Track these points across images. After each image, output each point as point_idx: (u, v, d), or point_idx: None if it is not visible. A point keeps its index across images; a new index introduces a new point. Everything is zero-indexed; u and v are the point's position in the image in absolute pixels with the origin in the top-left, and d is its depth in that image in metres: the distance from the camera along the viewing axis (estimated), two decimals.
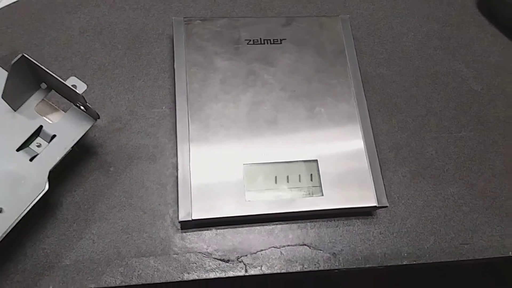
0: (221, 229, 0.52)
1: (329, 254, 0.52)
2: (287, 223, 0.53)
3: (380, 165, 0.53)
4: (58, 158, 0.45)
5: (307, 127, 0.54)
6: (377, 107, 0.61)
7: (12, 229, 0.41)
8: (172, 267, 0.50)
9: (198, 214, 0.48)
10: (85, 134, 0.46)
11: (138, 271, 0.49)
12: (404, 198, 0.56)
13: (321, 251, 0.52)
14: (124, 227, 0.51)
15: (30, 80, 0.46)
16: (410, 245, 0.54)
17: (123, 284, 0.48)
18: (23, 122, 0.46)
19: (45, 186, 0.43)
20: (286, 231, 0.53)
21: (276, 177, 0.51)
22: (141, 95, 0.58)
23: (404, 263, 0.53)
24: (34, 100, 0.47)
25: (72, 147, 0.46)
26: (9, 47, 0.58)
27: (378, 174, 0.53)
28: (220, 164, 0.51)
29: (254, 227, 0.53)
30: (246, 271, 0.50)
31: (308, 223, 0.53)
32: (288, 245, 0.52)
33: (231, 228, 0.52)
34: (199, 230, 0.52)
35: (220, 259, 0.51)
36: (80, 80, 0.44)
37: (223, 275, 0.50)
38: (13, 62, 0.41)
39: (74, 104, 0.47)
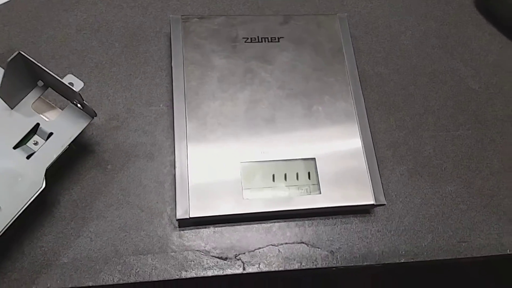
0: (219, 227, 0.52)
1: (327, 252, 0.52)
2: (285, 221, 0.53)
3: (378, 163, 0.53)
4: (55, 156, 0.45)
5: (304, 125, 0.54)
6: (375, 106, 0.61)
7: (9, 226, 0.41)
8: (170, 265, 0.50)
9: (195, 212, 0.48)
10: (82, 132, 0.46)
11: (136, 269, 0.49)
12: (401, 196, 0.56)
13: (319, 249, 0.52)
14: (121, 225, 0.51)
15: (26, 77, 0.46)
16: (407, 243, 0.54)
17: (121, 282, 0.48)
18: (20, 120, 0.46)
19: (42, 184, 0.43)
20: (284, 229, 0.53)
21: (273, 175, 0.51)
22: (139, 93, 0.58)
23: (402, 261, 0.53)
24: (31, 98, 0.47)
25: (69, 145, 0.45)
26: (5, 45, 0.58)
27: (376, 172, 0.53)
28: (217, 162, 0.51)
29: (252, 225, 0.52)
30: (244, 269, 0.50)
31: (306, 221, 0.53)
32: (286, 243, 0.52)
33: (229, 226, 0.52)
34: (196, 228, 0.52)
35: (218, 257, 0.51)
36: (77, 78, 0.44)
37: (221, 273, 0.50)
38: (9, 59, 0.41)
39: (71, 102, 0.46)
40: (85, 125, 0.46)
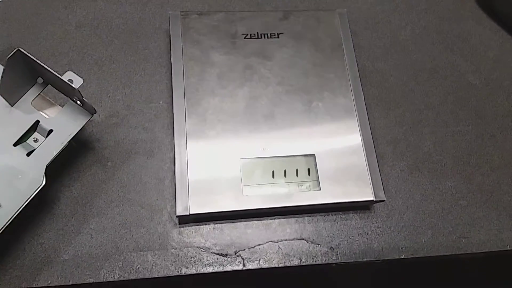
0: (219, 223, 0.52)
1: (327, 248, 0.52)
2: (284, 218, 0.53)
3: (377, 159, 0.53)
4: (55, 153, 0.45)
5: (304, 121, 0.54)
6: (374, 101, 0.61)
7: (9, 223, 0.41)
8: (170, 261, 0.50)
9: (195, 209, 0.48)
10: (81, 129, 0.46)
11: (136, 266, 0.49)
12: (401, 192, 0.56)
13: (319, 245, 0.52)
14: (122, 222, 0.51)
15: (26, 75, 0.46)
16: (407, 239, 0.54)
17: (122, 278, 0.48)
18: (19, 117, 0.46)
19: (42, 181, 0.43)
20: (284, 226, 0.53)
21: (273, 171, 0.51)
22: (138, 89, 0.58)
23: (402, 257, 0.53)
24: (31, 95, 0.47)
25: (69, 142, 0.46)
26: (5, 42, 0.58)
27: (376, 168, 0.53)
28: (217, 158, 0.51)
29: (251, 222, 0.53)
30: (244, 265, 0.50)
31: (306, 218, 0.54)
32: (286, 240, 0.52)
33: (229, 222, 0.52)
34: (196, 225, 0.52)
35: (218, 254, 0.51)
36: (77, 74, 0.44)
37: (221, 269, 0.50)
38: (8, 56, 0.41)
39: (71, 99, 0.47)
40: (85, 122, 0.47)
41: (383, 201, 0.52)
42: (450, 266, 0.89)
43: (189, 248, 0.51)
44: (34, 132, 0.47)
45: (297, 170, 0.52)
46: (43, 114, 0.47)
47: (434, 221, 0.55)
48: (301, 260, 0.52)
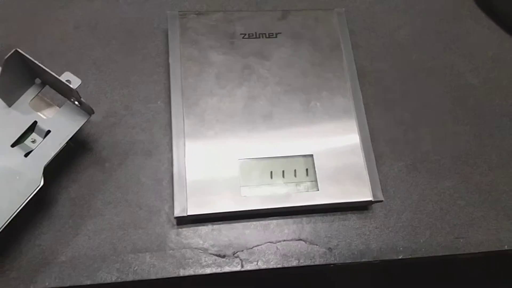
0: (217, 224, 0.52)
1: (325, 249, 0.52)
2: (282, 218, 0.53)
3: (375, 160, 0.53)
4: (53, 153, 0.45)
5: (302, 121, 0.54)
6: (372, 101, 0.61)
7: (8, 224, 0.41)
8: (168, 263, 0.50)
9: (193, 210, 0.48)
10: (79, 129, 0.46)
11: (134, 267, 0.49)
12: (399, 192, 0.56)
13: (317, 246, 0.52)
14: (119, 223, 0.51)
15: (24, 75, 0.46)
16: (405, 239, 0.54)
17: (119, 280, 0.48)
18: (17, 118, 0.46)
19: (40, 181, 0.43)
20: (282, 226, 0.53)
21: (271, 172, 0.51)
22: (136, 90, 0.58)
23: (400, 258, 0.53)
24: (29, 95, 0.47)
25: (67, 143, 0.46)
26: (3, 42, 0.58)
27: (374, 169, 0.53)
28: (215, 159, 0.51)
29: (250, 222, 0.52)
30: (242, 266, 0.50)
31: (304, 218, 0.53)
32: (284, 240, 0.52)
33: (227, 223, 0.52)
34: (194, 226, 0.52)
35: (216, 255, 0.51)
36: (75, 75, 0.44)
37: (219, 270, 0.50)
38: (6, 57, 0.41)
39: (69, 100, 0.46)
40: (83, 122, 0.47)
41: (381, 201, 0.52)
42: (448, 266, 0.89)
43: (187, 249, 0.50)
44: (32, 133, 0.47)
45: (295, 171, 0.52)
46: (41, 115, 0.47)
47: (432, 221, 0.55)
48: (299, 261, 0.51)
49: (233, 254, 0.51)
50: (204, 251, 0.50)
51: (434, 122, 0.61)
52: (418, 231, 0.55)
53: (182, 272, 0.49)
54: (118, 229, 0.50)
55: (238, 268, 0.50)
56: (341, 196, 0.51)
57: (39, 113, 0.47)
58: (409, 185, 0.57)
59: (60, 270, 0.48)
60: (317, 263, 0.52)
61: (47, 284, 0.47)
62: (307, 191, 0.51)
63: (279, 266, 0.51)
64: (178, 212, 0.48)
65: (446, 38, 0.68)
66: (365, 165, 0.52)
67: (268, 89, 0.55)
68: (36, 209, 0.50)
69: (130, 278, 0.48)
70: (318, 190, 0.51)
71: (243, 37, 0.58)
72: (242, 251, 0.51)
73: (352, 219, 0.54)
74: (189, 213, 0.48)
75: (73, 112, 0.47)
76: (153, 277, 0.49)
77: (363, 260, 0.53)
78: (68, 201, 0.51)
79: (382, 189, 0.52)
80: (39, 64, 0.42)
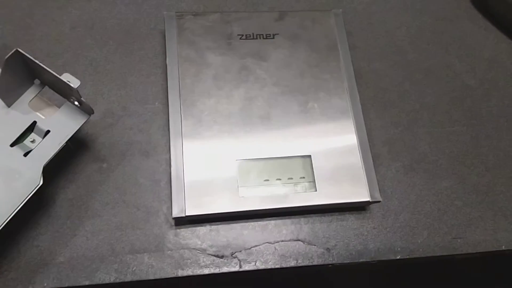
0: (215, 225, 0.52)
1: (323, 249, 0.52)
2: (280, 219, 0.53)
3: (373, 160, 0.53)
4: (52, 153, 0.45)
5: (300, 122, 0.54)
6: (370, 102, 0.61)
7: (7, 223, 0.41)
8: (166, 263, 0.50)
9: (191, 210, 0.48)
10: (79, 129, 0.46)
11: (132, 268, 0.49)
12: (397, 192, 0.57)
13: (315, 246, 0.52)
14: (117, 224, 0.51)
15: (24, 75, 0.46)
16: (403, 240, 0.54)
17: (118, 280, 0.48)
18: (17, 118, 0.46)
19: (39, 181, 0.43)
20: (280, 227, 0.53)
21: (269, 172, 0.51)
22: (134, 91, 0.58)
23: (398, 258, 0.53)
24: (28, 96, 0.47)
25: (66, 143, 0.46)
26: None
27: (371, 169, 0.53)
28: (213, 160, 0.51)
29: (248, 223, 0.53)
30: (240, 266, 0.50)
31: (302, 219, 0.54)
32: (282, 241, 0.52)
33: (225, 224, 0.52)
34: (193, 226, 0.52)
35: (214, 255, 0.51)
36: (73, 76, 0.44)
37: (217, 271, 0.50)
38: (7, 57, 0.41)
39: (68, 100, 0.46)
40: (82, 122, 0.47)
41: (379, 201, 0.52)
42: (446, 266, 0.89)
43: (185, 250, 0.50)
44: (31, 133, 0.47)
45: (293, 171, 0.52)
46: (40, 115, 0.47)
47: (429, 222, 0.55)
48: (297, 261, 0.52)
49: (231, 255, 0.51)
50: (202, 252, 0.50)
51: (431, 123, 0.61)
52: (415, 231, 0.55)
53: (181, 273, 0.49)
54: (116, 230, 0.50)
55: (236, 269, 0.50)
56: (339, 196, 0.51)
57: (38, 113, 0.47)
58: (407, 186, 0.57)
59: (58, 271, 0.48)
60: (315, 263, 0.52)
61: (45, 284, 0.47)
62: (305, 192, 0.51)
63: (277, 266, 0.51)
64: (176, 213, 0.48)
65: (442, 39, 0.68)
66: (363, 165, 0.53)
67: (265, 90, 0.55)
68: (34, 210, 0.50)
69: (129, 278, 0.48)
70: (316, 190, 0.51)
71: (240, 38, 0.58)
72: (240, 251, 0.51)
73: (350, 220, 0.54)
74: (187, 214, 0.48)
75: (73, 112, 0.47)
76: (151, 277, 0.49)
77: (361, 260, 0.53)
78: (66, 202, 0.51)
79: (379, 190, 0.52)
80: (40, 64, 0.42)
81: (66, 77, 0.44)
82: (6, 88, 0.44)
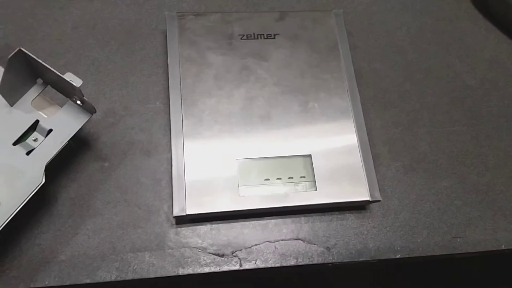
0: (216, 224, 0.52)
1: (323, 248, 0.53)
2: (281, 218, 0.53)
3: (373, 160, 0.54)
4: (54, 152, 0.45)
5: (300, 122, 0.54)
6: (370, 102, 0.61)
7: (9, 222, 0.41)
8: (167, 261, 0.50)
9: (192, 209, 0.48)
10: (80, 129, 0.47)
11: (133, 266, 0.49)
12: (397, 192, 0.57)
13: (315, 245, 0.53)
14: (119, 223, 0.51)
15: (26, 74, 0.46)
16: (403, 239, 0.54)
17: (119, 279, 0.49)
18: (19, 117, 0.46)
19: (41, 179, 0.44)
20: (280, 226, 0.53)
21: (270, 172, 0.52)
22: (135, 90, 0.58)
23: (398, 257, 0.53)
24: (31, 95, 0.47)
25: (68, 142, 0.46)
26: (1, 43, 0.58)
27: (371, 169, 0.53)
28: (214, 159, 0.51)
29: (248, 222, 0.53)
30: (240, 265, 0.51)
31: (302, 218, 0.54)
32: (282, 240, 0.52)
33: (225, 223, 0.52)
34: (193, 225, 0.52)
35: (215, 254, 0.51)
36: (76, 76, 0.45)
37: (218, 269, 0.50)
38: (10, 56, 0.41)
39: (70, 99, 0.47)
40: (84, 121, 0.47)
41: (379, 201, 0.52)
42: (446, 265, 0.89)
43: (186, 249, 0.51)
44: (33, 131, 0.47)
45: (293, 171, 0.52)
46: (43, 114, 0.47)
47: (429, 221, 0.56)
48: (297, 260, 0.52)
49: (232, 253, 0.51)
50: (203, 250, 0.51)
51: (431, 122, 0.61)
52: (415, 230, 0.55)
53: (181, 271, 0.50)
54: (118, 229, 0.51)
55: (237, 267, 0.51)
56: (339, 196, 0.51)
57: (40, 112, 0.47)
58: (407, 185, 0.57)
59: (59, 269, 0.48)
60: (315, 262, 0.52)
61: (46, 283, 0.47)
62: (305, 191, 0.51)
63: (277, 265, 0.51)
64: (177, 212, 0.48)
65: (443, 40, 0.68)
66: (363, 165, 0.53)
67: (266, 90, 0.55)
68: (36, 209, 0.50)
69: (130, 277, 0.49)
70: (316, 190, 0.51)
71: (241, 38, 0.58)
72: (241, 250, 0.51)
73: (350, 219, 0.55)
74: (188, 213, 0.48)
75: (75, 111, 0.47)
76: (152, 276, 0.49)
77: (361, 259, 0.53)
78: (67, 201, 0.51)
79: (379, 189, 0.52)
80: (43, 63, 0.42)
81: (68, 77, 0.44)
82: (9, 87, 0.45)
